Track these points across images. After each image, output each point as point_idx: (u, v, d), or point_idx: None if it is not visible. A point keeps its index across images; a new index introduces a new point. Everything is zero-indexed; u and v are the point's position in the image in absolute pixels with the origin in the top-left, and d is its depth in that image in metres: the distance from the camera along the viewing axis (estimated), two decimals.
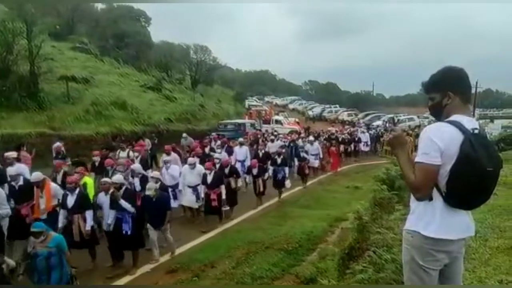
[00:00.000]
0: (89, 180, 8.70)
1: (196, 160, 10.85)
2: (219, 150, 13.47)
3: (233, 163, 13.32)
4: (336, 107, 54.33)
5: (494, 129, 39.06)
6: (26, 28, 19.89)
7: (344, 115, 47.34)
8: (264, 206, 11.78)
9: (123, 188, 7.37)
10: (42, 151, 15.08)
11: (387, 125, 32.75)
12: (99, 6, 46.65)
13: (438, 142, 2.33)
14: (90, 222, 7.10)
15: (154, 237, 7.59)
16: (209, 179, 9.71)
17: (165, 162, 10.59)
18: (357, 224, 5.57)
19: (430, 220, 2.43)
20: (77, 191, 7.24)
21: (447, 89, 2.47)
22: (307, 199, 12.89)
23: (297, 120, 39.93)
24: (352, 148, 23.15)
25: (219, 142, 15.84)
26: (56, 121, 18.73)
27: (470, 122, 2.37)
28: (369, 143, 25.32)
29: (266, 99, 66.13)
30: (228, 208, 10.10)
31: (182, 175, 10.22)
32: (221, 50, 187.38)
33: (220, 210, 9.81)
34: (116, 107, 23.85)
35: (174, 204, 9.54)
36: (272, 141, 18.10)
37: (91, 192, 8.29)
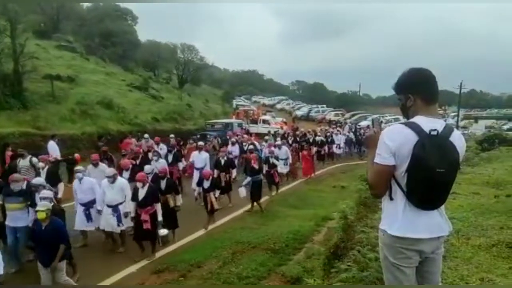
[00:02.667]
0: None
1: (127, 171, 9.69)
2: (155, 158, 11.62)
3: (194, 172, 12.42)
4: (323, 107, 54.63)
5: (478, 129, 39.69)
6: (10, 26, 19.53)
7: (331, 115, 47.63)
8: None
9: None
10: (26, 150, 14.91)
11: (370, 125, 33.10)
12: (85, 4, 46.27)
13: (390, 143, 2.43)
14: None
15: (45, 278, 5.91)
16: (141, 194, 7.77)
17: (76, 172, 8.49)
18: (342, 223, 5.63)
19: (394, 219, 2.52)
20: None
21: (408, 92, 2.55)
22: (294, 198, 12.91)
23: (284, 120, 40.04)
24: (326, 150, 21.25)
25: (162, 146, 14.27)
26: (40, 121, 18.46)
27: (430, 123, 2.42)
28: (342, 145, 23.84)
29: (254, 99, 66.33)
30: (165, 232, 8.11)
31: (101, 191, 8.16)
32: (208, 49, 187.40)
33: (154, 235, 7.85)
34: (102, 107, 23.66)
35: (89, 226, 8.26)
36: (233, 144, 16.32)
37: None
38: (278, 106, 59.33)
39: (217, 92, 56.80)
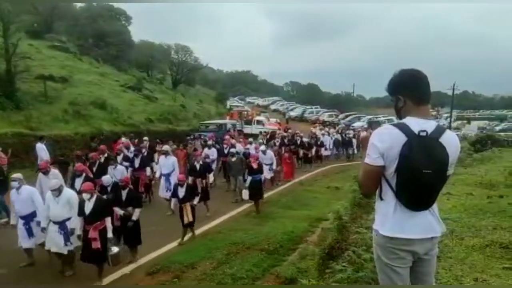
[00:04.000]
0: None
1: (79, 177, 8.83)
2: (112, 166, 10.55)
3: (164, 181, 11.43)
4: (317, 108, 54.82)
5: (470, 130, 39.92)
6: (3, 26, 19.44)
7: (325, 116, 47.76)
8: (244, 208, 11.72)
9: None
10: (18, 151, 14.83)
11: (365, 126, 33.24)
12: (78, 4, 46.00)
13: (378, 144, 2.44)
14: None
15: None
16: (88, 207, 6.71)
17: (12, 180, 7.38)
18: (337, 224, 5.62)
19: (385, 219, 2.53)
20: None
21: (398, 93, 2.57)
22: (288, 199, 12.93)
23: (278, 121, 40.13)
24: (313, 153, 19.97)
25: (124, 150, 12.78)
26: (33, 121, 18.36)
27: (419, 124, 2.42)
28: (330, 146, 23.07)
29: (248, 99, 66.40)
30: (116, 250, 6.78)
31: (45, 206, 7.03)
32: (202, 50, 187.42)
33: (103, 255, 6.73)
34: (96, 107, 23.60)
35: (29, 242, 7.23)
36: (209, 147, 15.03)
37: None
38: (272, 107, 59.42)
39: (211, 92, 56.84)
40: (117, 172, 10.09)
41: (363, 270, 4.04)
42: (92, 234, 6.64)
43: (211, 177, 11.33)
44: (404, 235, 2.45)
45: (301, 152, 19.36)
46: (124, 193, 7.75)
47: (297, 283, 6.05)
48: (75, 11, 44.34)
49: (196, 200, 9.14)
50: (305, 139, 20.54)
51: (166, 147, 12.30)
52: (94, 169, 10.66)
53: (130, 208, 7.61)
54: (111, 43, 39.58)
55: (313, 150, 19.99)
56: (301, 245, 8.38)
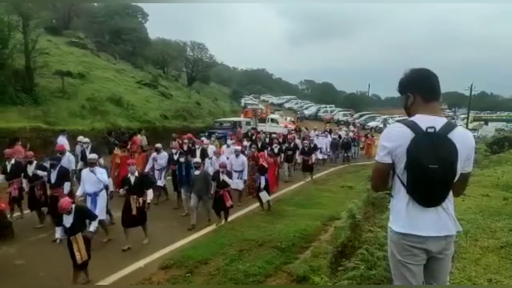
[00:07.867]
0: None
1: None
2: None
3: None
4: (331, 107, 54.61)
5: (488, 132, 39.36)
6: (22, 22, 19.79)
7: (339, 115, 47.55)
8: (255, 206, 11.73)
9: None
10: (36, 145, 15.11)
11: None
12: None
13: (386, 143, 2.52)
14: None
15: None
16: None
17: None
18: (350, 222, 5.61)
19: (398, 215, 2.57)
20: None
21: (407, 90, 2.61)
22: (300, 198, 12.92)
23: (293, 119, 40.02)
24: (313, 159, 16.57)
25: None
26: (51, 116, 18.69)
27: (428, 121, 2.44)
28: (326, 149, 20.81)
29: (262, 97, 66.41)
30: None
31: None
32: (218, 48, 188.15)
33: None
34: (112, 103, 23.90)
35: None
36: (159, 151, 11.72)
37: None
38: (286, 105, 59.39)
39: (226, 90, 57.10)
40: None
41: (376, 268, 4.05)
42: None
43: (149, 194, 8.29)
44: (416, 232, 2.47)
45: (298, 157, 16.48)
46: None
47: (309, 280, 6.07)
48: (93, 8, 44.95)
49: (93, 227, 6.60)
50: (299, 141, 17.61)
51: (92, 156, 8.76)
52: None
53: None
54: (128, 40, 40.05)
55: (313, 156, 16.64)
56: (313, 243, 8.39)
